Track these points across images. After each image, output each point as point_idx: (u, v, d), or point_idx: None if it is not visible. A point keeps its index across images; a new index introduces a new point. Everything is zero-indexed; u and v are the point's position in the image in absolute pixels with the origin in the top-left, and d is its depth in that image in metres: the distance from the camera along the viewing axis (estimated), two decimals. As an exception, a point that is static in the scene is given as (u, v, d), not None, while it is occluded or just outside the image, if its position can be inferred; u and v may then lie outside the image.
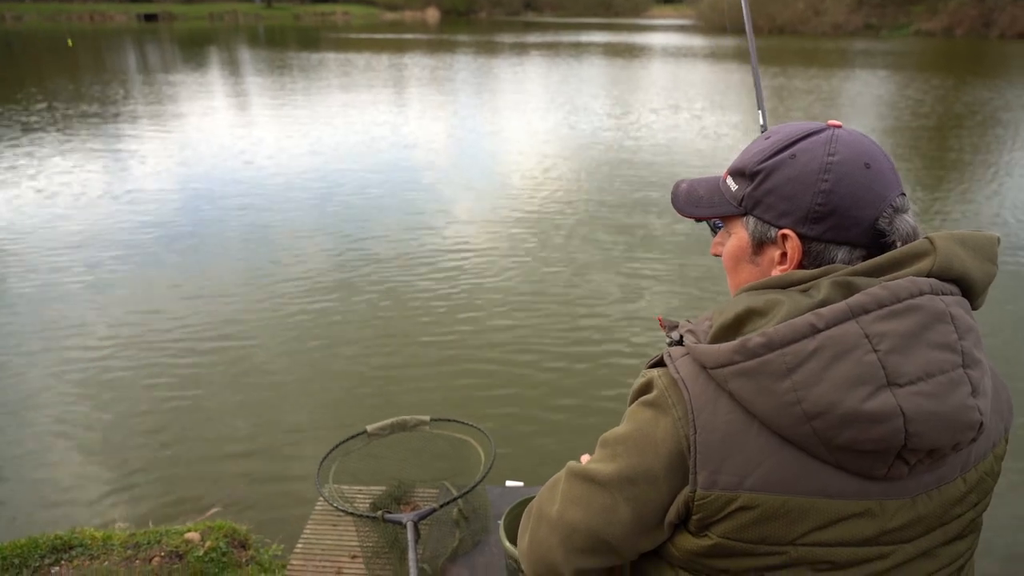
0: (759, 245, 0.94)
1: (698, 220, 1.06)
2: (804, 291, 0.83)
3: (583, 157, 8.91)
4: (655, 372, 0.89)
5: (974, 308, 0.85)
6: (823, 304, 0.79)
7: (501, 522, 1.90)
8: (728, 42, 33.58)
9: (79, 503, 2.79)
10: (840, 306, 0.77)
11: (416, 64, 21.43)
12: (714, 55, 26.45)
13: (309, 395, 3.56)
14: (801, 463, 0.78)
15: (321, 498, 2.16)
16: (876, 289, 0.78)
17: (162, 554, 2.24)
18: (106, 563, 2.21)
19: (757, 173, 0.92)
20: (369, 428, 2.20)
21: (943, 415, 0.75)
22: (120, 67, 20.76)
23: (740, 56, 22.30)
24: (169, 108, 13.01)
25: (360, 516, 2.03)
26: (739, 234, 0.97)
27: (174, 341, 4.10)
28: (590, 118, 11.85)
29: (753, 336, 0.78)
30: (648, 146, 9.51)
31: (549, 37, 39.02)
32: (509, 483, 2.52)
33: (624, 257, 5.47)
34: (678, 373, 0.85)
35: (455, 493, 2.26)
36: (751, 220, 0.94)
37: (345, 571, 2.15)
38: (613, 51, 23.92)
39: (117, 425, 3.30)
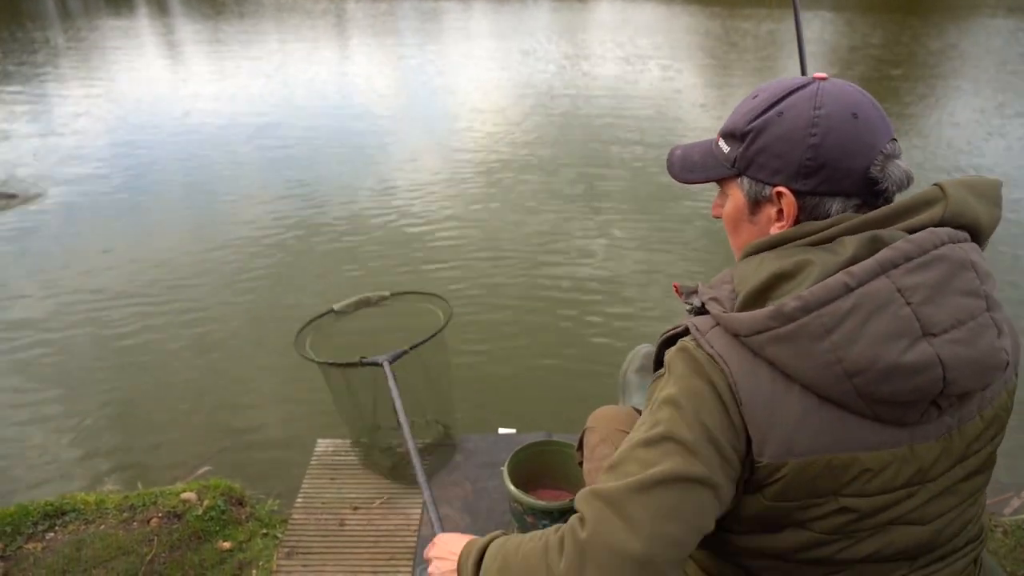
0: (755, 204, 0.96)
1: (693, 184, 1.06)
2: (829, 248, 0.85)
3: (539, 109, 8.81)
4: (687, 343, 0.89)
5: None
6: (852, 261, 0.81)
7: (504, 468, 1.98)
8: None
9: (61, 471, 2.74)
10: (870, 263, 0.80)
11: (358, 9, 20.63)
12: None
13: (275, 350, 3.50)
14: (842, 420, 0.81)
15: (303, 358, 2.24)
16: (901, 243, 0.81)
17: (160, 515, 2.23)
18: (103, 527, 2.19)
19: (747, 133, 0.93)
20: (335, 306, 2.39)
21: (976, 359, 0.80)
22: (38, 12, 19.34)
23: None
24: (97, 58, 12.26)
25: (340, 365, 2.18)
26: (735, 195, 0.98)
27: (129, 304, 3.98)
28: (545, 67, 11.68)
29: (788, 300, 0.80)
30: (608, 97, 9.44)
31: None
32: (501, 430, 2.59)
33: (586, 201, 5.50)
34: (712, 348, 0.85)
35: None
36: (745, 180, 0.95)
37: (348, 522, 2.18)
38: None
39: (84, 392, 3.21)
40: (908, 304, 0.78)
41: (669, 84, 10.17)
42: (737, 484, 0.85)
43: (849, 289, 0.78)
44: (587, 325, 3.75)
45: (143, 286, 4.15)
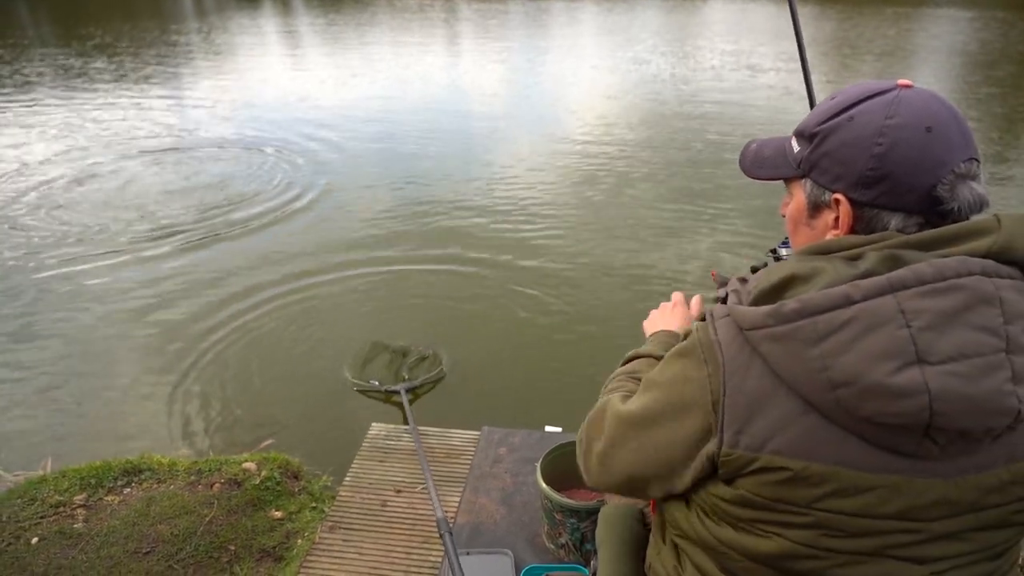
0: (814, 208, 0.94)
1: (761, 180, 1.06)
2: (851, 260, 0.83)
3: (648, 112, 8.66)
4: (696, 324, 0.92)
5: None
6: (866, 275, 0.79)
7: (538, 465, 2.00)
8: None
9: (146, 433, 2.99)
10: (880, 279, 0.77)
11: (468, 8, 21.07)
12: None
13: (363, 338, 3.66)
14: (825, 430, 0.80)
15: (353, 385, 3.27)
16: (921, 265, 0.77)
17: (222, 481, 2.41)
18: (172, 487, 2.38)
19: (816, 135, 0.92)
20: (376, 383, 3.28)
21: (973, 397, 0.75)
22: (176, 12, 20.99)
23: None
24: (227, 55, 13.18)
25: (371, 390, 3.19)
26: (798, 196, 0.98)
27: (230, 283, 4.27)
28: (656, 70, 11.48)
29: (788, 302, 0.80)
30: (720, 103, 9.13)
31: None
32: (548, 428, 2.60)
33: (692, 216, 5.39)
34: (716, 335, 0.87)
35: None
36: (808, 183, 0.94)
37: (390, 503, 2.27)
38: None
39: (177, 364, 3.49)
40: (908, 327, 0.75)
41: (783, 88, 9.76)
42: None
43: (851, 301, 0.77)
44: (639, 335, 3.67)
45: (246, 270, 4.44)
